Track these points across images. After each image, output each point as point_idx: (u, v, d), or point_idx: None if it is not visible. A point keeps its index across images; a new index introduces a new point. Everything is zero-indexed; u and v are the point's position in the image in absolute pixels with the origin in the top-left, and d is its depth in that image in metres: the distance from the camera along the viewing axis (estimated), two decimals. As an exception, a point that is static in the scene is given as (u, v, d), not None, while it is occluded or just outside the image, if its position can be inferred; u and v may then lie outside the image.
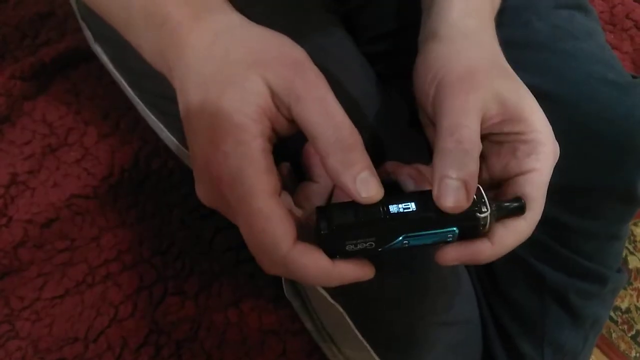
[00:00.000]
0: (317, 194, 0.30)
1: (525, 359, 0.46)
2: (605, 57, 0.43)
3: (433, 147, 0.28)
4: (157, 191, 0.58)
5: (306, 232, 0.26)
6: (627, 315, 0.85)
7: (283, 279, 0.50)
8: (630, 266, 0.87)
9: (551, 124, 0.30)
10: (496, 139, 0.30)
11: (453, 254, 0.28)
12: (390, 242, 0.26)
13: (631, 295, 0.86)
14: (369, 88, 0.39)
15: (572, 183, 0.41)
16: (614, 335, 0.85)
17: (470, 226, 0.27)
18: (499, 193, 0.30)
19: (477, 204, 0.27)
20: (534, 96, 0.30)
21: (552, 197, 0.41)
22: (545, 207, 0.42)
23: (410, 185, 0.31)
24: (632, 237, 0.88)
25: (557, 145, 0.30)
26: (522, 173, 0.29)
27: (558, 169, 0.38)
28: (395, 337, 0.41)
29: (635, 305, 0.85)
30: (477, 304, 0.47)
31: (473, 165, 0.26)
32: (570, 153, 0.40)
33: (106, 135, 0.60)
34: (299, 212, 0.29)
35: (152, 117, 0.45)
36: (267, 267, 0.26)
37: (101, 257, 0.54)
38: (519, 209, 0.28)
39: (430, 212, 0.26)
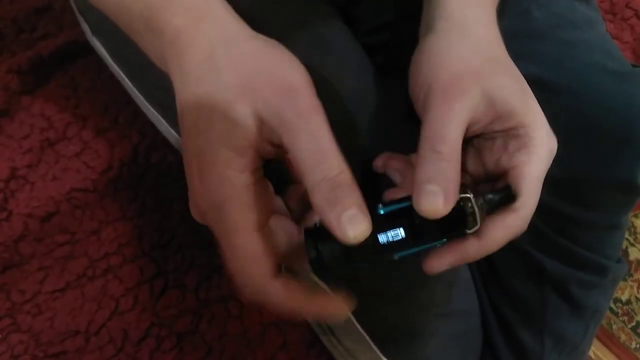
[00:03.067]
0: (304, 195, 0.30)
1: (526, 349, 0.46)
2: (606, 46, 0.42)
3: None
4: (156, 185, 0.58)
5: (296, 245, 0.27)
6: (627, 307, 0.85)
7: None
8: (631, 257, 0.87)
9: (550, 113, 0.30)
10: (489, 136, 0.30)
11: (439, 262, 0.28)
12: (382, 264, 0.27)
13: (631, 287, 0.86)
14: (367, 80, 0.39)
15: (572, 173, 0.40)
16: (614, 326, 0.85)
17: (458, 234, 0.27)
18: (493, 188, 0.30)
19: (465, 212, 0.26)
20: (534, 85, 0.30)
21: (552, 187, 0.42)
22: (545, 197, 0.42)
23: (397, 178, 0.31)
24: (632, 229, 0.88)
25: (554, 138, 0.29)
26: (513, 167, 0.28)
27: (558, 159, 0.38)
28: (395, 329, 0.41)
29: (635, 297, 0.85)
30: (477, 294, 0.47)
31: (452, 173, 0.26)
32: (570, 143, 0.39)
33: (105, 129, 0.59)
34: (287, 213, 0.30)
35: (152, 109, 0.45)
36: (245, 298, 0.27)
37: (101, 251, 0.54)
38: (510, 197, 0.28)
39: (420, 233, 0.26)
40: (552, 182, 0.41)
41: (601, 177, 0.41)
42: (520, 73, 0.30)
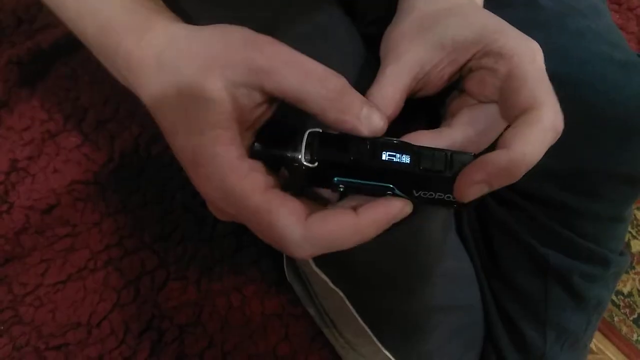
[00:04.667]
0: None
1: (528, 342, 0.46)
2: (612, 36, 0.42)
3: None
4: (158, 177, 0.58)
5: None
6: (629, 299, 0.85)
7: (285, 262, 0.50)
8: (633, 250, 0.87)
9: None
10: (468, 72, 0.30)
11: (470, 180, 0.26)
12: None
13: (633, 279, 0.86)
14: (368, 71, 0.38)
15: (576, 164, 0.40)
16: (615, 319, 0.85)
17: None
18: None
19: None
20: None
21: (555, 178, 0.41)
22: (548, 189, 0.42)
23: None
24: (635, 222, 0.87)
25: (532, 40, 0.29)
26: (504, 80, 0.28)
27: (562, 150, 0.37)
28: (396, 322, 0.41)
29: (637, 289, 0.85)
30: (479, 287, 0.47)
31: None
32: (575, 133, 0.39)
33: (106, 120, 0.59)
34: None
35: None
36: (300, 254, 0.25)
37: (103, 243, 0.54)
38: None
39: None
40: (556, 173, 0.41)
41: (605, 168, 0.40)
42: (486, 12, 0.31)
